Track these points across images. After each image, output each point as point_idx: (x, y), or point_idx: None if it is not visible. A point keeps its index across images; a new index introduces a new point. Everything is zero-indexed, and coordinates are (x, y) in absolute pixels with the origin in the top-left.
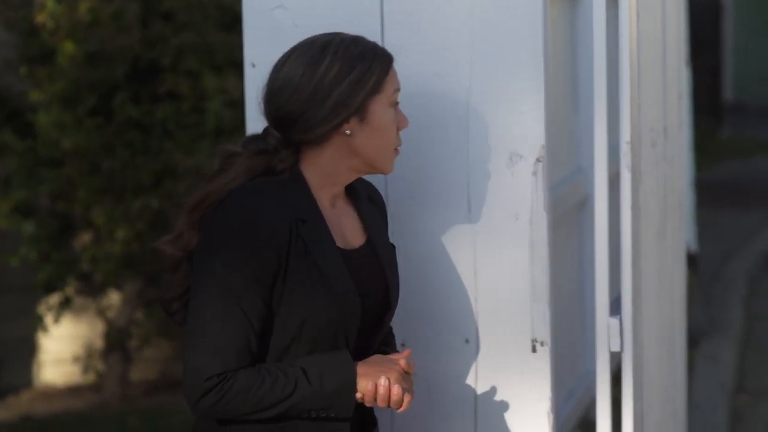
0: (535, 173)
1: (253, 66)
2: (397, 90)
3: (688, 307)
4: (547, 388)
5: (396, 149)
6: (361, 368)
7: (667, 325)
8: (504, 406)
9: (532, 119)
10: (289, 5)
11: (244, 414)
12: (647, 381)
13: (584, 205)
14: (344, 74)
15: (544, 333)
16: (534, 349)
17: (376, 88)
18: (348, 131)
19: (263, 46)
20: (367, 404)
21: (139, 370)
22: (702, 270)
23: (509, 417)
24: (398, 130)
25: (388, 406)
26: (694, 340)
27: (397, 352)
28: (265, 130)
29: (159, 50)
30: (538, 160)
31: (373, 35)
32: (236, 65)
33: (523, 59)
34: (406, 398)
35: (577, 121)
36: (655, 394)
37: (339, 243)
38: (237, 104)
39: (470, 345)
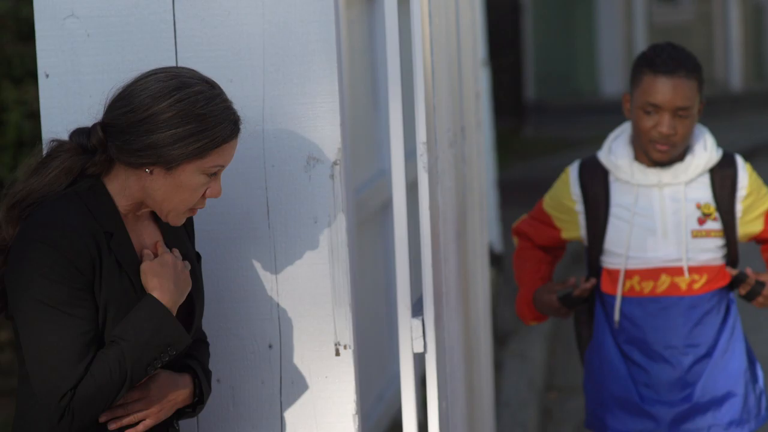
0: (332, 176)
1: (47, 76)
2: (221, 166)
3: (494, 306)
4: (352, 391)
5: (193, 209)
6: (155, 287)
7: (472, 323)
8: (310, 410)
9: (328, 123)
10: (80, 14)
11: (106, 405)
12: (452, 380)
13: (388, 206)
14: (175, 124)
15: (347, 336)
16: (337, 353)
17: (197, 154)
18: (149, 170)
19: (56, 56)
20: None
21: None
22: (507, 269)
23: (316, 421)
24: (206, 196)
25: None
26: (503, 338)
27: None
28: (94, 126)
29: None
30: (335, 163)
31: (165, 44)
32: (35, 76)
33: (317, 63)
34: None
35: (379, 123)
36: (461, 393)
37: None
38: (36, 115)
39: (273, 350)
